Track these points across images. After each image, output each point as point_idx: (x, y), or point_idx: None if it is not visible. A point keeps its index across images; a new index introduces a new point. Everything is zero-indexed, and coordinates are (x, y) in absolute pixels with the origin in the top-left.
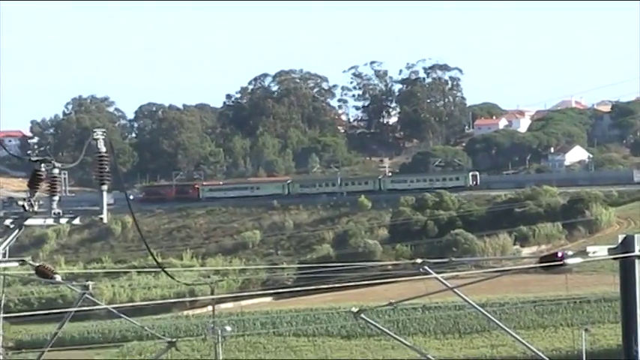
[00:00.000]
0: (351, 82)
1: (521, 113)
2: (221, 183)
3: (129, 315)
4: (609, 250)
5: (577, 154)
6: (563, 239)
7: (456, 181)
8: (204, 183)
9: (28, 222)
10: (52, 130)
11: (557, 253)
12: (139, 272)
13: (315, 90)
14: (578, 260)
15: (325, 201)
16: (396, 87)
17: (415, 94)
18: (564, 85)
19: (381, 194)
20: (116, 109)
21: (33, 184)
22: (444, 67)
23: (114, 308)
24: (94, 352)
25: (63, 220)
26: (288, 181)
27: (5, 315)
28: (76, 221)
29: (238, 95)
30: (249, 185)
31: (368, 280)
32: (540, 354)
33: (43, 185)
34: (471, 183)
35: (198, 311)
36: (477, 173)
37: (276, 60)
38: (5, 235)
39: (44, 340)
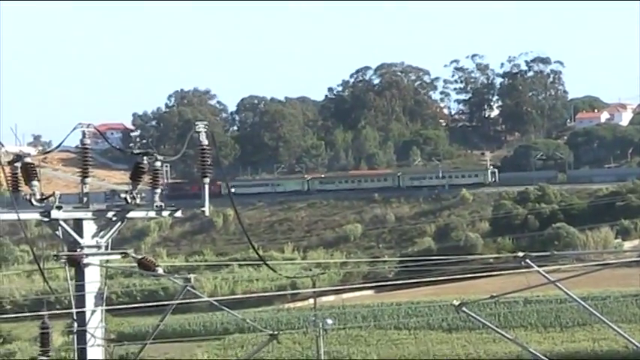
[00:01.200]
0: (453, 76)
1: (623, 107)
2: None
3: (230, 308)
4: None
5: None
6: None
7: (475, 178)
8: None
9: (131, 214)
10: (154, 123)
11: None
12: (240, 265)
13: (417, 83)
14: None
15: (427, 194)
16: (498, 80)
17: (517, 87)
18: None
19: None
20: (218, 102)
21: (135, 177)
22: (546, 61)
23: (215, 301)
24: (195, 344)
25: (165, 213)
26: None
27: (107, 307)
28: (178, 214)
29: (340, 88)
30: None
31: (469, 273)
32: None
33: (145, 178)
34: (490, 180)
35: (299, 304)
36: (497, 170)
37: (377, 53)
38: (108, 228)
39: (146, 333)
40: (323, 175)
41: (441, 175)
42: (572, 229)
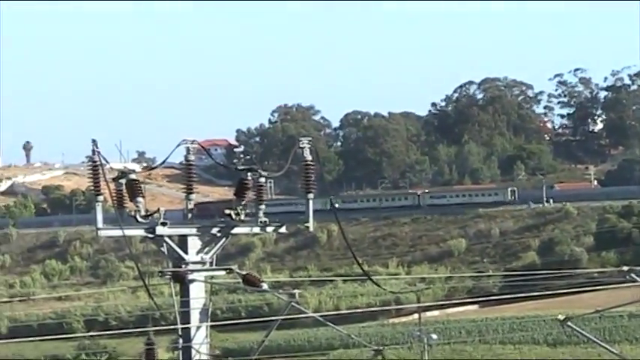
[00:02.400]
0: (556, 90)
1: None
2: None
3: (334, 323)
4: None
5: None
6: None
7: (495, 197)
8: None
9: (235, 230)
10: (257, 139)
11: None
12: (344, 280)
13: (520, 97)
14: None
15: (529, 209)
16: (602, 94)
17: (621, 101)
18: None
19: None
20: (322, 118)
21: (239, 193)
22: None
23: (320, 316)
24: None
25: (269, 229)
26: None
27: (212, 323)
28: (283, 229)
29: (443, 103)
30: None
31: (574, 287)
32: None
33: (250, 194)
34: (509, 198)
35: (403, 319)
36: (516, 189)
37: (481, 68)
38: (212, 244)
39: (250, 348)
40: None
41: (460, 194)
42: None
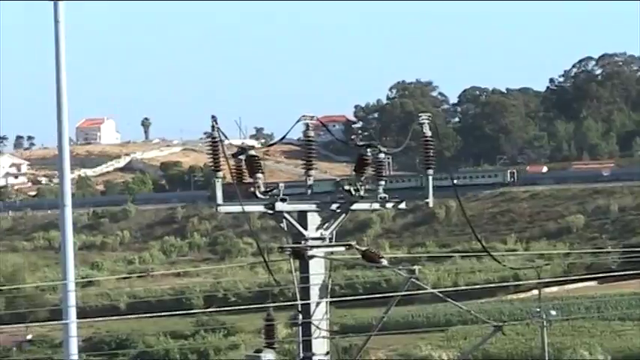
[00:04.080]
0: None
1: None
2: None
3: (453, 299)
4: None
5: None
6: None
7: (495, 178)
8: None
9: (354, 207)
10: (375, 115)
11: None
12: (462, 256)
13: (639, 73)
14: None
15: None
16: None
17: None
18: None
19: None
20: (439, 94)
21: (359, 169)
22: None
23: (439, 292)
24: (417, 336)
25: (389, 205)
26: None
27: (331, 299)
28: (402, 205)
29: (561, 79)
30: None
31: None
32: None
33: (369, 170)
34: (508, 180)
35: (522, 295)
36: (515, 171)
37: (599, 43)
38: (332, 220)
39: (369, 325)
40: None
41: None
42: None
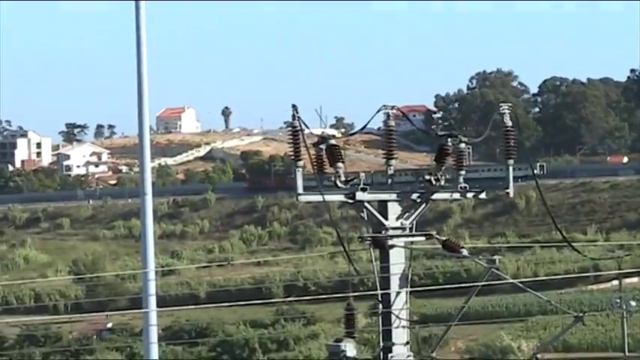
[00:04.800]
0: None
1: None
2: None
3: (533, 289)
4: None
5: None
6: None
7: (525, 171)
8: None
9: (435, 196)
10: (455, 105)
11: None
12: (542, 247)
13: None
14: None
15: None
16: None
17: None
18: None
19: None
20: (519, 84)
21: (440, 159)
22: None
23: (519, 282)
24: (497, 326)
25: (469, 194)
26: None
27: (412, 289)
28: (483, 195)
29: None
30: None
31: None
32: None
33: (449, 160)
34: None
35: (602, 286)
36: (545, 164)
37: None
38: (412, 210)
39: (448, 314)
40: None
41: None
42: None
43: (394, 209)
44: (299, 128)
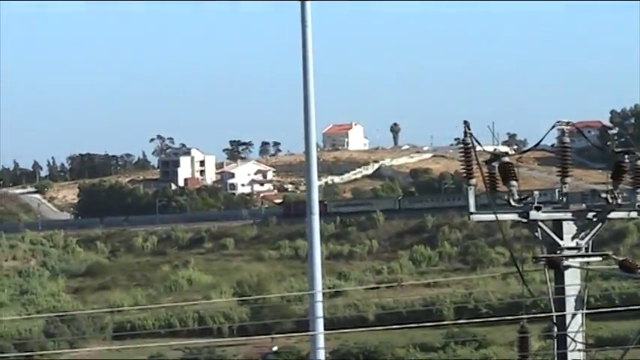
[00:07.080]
0: None
1: None
2: None
3: None
4: None
5: None
6: None
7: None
8: None
9: (611, 215)
10: (632, 120)
11: None
12: None
13: None
14: None
15: None
16: None
17: None
18: None
19: None
20: None
21: (616, 176)
22: None
23: None
24: None
25: None
26: None
27: (588, 311)
28: None
29: None
30: None
31: None
32: None
33: (626, 177)
34: (557, 198)
35: None
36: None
37: None
38: (588, 229)
39: (625, 337)
40: None
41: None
42: None
43: (569, 228)
44: (471, 145)
